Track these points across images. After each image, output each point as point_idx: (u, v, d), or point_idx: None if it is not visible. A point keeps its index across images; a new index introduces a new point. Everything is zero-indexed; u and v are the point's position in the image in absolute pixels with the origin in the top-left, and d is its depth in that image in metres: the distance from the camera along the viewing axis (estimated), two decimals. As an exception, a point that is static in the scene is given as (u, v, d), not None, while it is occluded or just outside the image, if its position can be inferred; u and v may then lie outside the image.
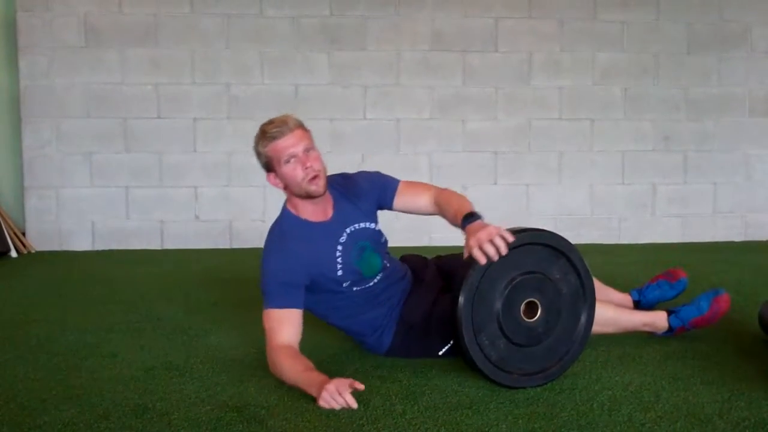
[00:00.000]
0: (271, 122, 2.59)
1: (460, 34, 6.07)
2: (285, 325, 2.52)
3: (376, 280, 2.75)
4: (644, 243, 6.29)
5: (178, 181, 5.95)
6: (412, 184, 2.89)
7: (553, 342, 2.52)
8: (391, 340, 2.79)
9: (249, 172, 5.85)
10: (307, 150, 2.57)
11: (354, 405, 2.22)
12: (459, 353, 2.49)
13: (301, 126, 2.60)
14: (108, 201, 5.92)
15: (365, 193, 2.80)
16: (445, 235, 6.05)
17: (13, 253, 5.61)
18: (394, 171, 5.90)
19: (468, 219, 2.46)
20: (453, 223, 2.59)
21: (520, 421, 2.14)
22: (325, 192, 2.63)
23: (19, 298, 4.11)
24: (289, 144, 2.54)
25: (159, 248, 5.96)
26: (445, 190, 2.80)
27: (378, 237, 2.80)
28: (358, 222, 2.74)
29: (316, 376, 2.33)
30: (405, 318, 2.79)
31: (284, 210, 2.73)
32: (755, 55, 6.31)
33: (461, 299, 2.38)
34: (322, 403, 2.22)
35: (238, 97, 5.89)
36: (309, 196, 2.61)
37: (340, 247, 2.66)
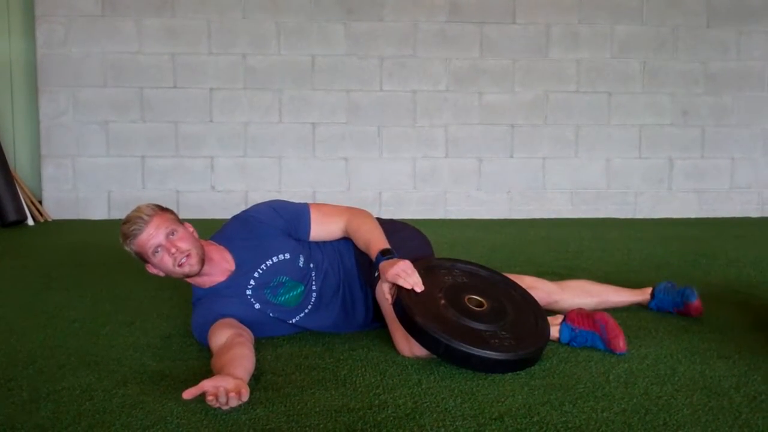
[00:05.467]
0: (127, 220, 2.50)
1: (477, 6, 6.02)
2: (218, 332, 2.43)
3: (313, 298, 2.70)
4: (660, 218, 6.26)
5: (194, 151, 5.96)
6: (323, 212, 2.77)
7: (514, 306, 2.56)
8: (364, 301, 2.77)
9: (265, 143, 5.84)
10: (170, 234, 2.50)
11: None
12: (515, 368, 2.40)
13: (157, 211, 2.52)
14: (124, 170, 5.94)
15: (270, 228, 2.68)
16: (461, 208, 6.09)
17: (30, 222, 5.65)
18: (410, 143, 5.96)
19: (381, 257, 2.50)
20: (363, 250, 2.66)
21: (537, 392, 2.14)
22: (200, 268, 2.55)
23: (37, 265, 4.14)
24: (150, 236, 2.47)
25: (175, 218, 5.97)
26: (353, 215, 2.74)
27: (295, 263, 2.67)
28: (267, 259, 2.64)
29: (228, 372, 2.07)
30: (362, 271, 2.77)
31: (192, 287, 2.69)
32: (776, 28, 6.25)
33: (467, 349, 2.28)
34: (209, 398, 1.93)
35: (255, 68, 5.86)
36: (187, 277, 2.58)
37: (249, 292, 2.61)
